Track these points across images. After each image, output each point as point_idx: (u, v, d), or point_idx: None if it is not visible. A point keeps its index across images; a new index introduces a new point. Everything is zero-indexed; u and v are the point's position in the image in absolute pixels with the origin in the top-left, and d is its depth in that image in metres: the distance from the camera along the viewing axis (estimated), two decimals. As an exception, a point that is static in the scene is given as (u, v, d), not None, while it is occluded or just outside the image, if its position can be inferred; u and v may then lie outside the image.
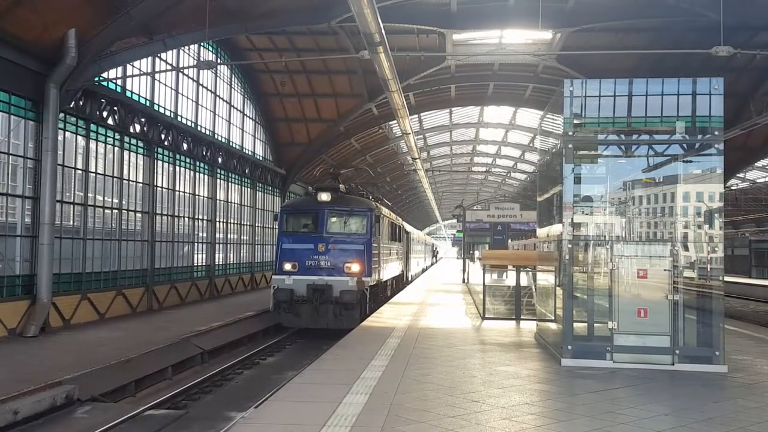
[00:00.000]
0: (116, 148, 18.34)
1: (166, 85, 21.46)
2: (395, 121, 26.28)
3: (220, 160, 25.66)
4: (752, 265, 43.81)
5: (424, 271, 46.38)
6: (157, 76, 20.50)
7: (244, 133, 29.06)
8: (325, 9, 18.95)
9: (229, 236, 27.09)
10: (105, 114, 17.45)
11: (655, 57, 20.85)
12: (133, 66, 18.63)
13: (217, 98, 26.00)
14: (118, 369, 11.48)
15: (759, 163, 37.40)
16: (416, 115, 32.32)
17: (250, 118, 29.75)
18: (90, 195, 17.05)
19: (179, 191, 22.24)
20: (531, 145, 39.35)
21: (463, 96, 31.12)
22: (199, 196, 23.88)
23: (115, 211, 18.38)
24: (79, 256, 16.58)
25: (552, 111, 11.91)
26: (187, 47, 21.85)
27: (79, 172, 16.73)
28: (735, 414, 6.91)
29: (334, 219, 18.16)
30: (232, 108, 27.54)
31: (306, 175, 35.03)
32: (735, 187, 44.98)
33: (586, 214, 10.63)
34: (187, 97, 23.19)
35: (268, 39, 24.20)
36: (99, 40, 14.87)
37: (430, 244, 62.89)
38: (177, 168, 22.04)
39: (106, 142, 17.83)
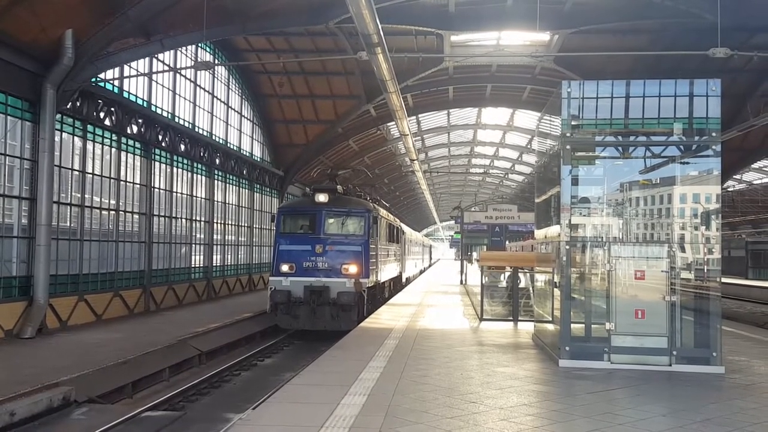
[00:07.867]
0: (113, 149, 18.32)
1: (163, 86, 21.44)
2: (393, 123, 26.24)
3: (217, 161, 25.64)
4: (749, 266, 43.85)
5: (422, 272, 46.35)
6: (154, 77, 20.48)
7: (242, 134, 29.04)
8: (323, 10, 18.94)
9: (226, 237, 27.06)
10: (102, 115, 17.43)
11: (652, 58, 20.86)
12: (130, 67, 18.62)
13: (215, 99, 25.99)
14: (115, 370, 11.46)
15: (756, 165, 37.52)
16: (414, 117, 32.31)
17: (247, 119, 29.74)
18: (87, 196, 17.02)
19: (176, 192, 22.21)
20: (529, 146, 39.37)
21: (461, 97, 31.13)
22: (196, 197, 23.86)
23: (112, 212, 18.36)
24: (76, 258, 16.55)
25: (550, 112, 11.86)
26: (184, 48, 21.85)
27: (76, 173, 16.70)
28: (732, 415, 6.92)
29: (331, 220, 18.14)
30: (229, 109, 27.51)
31: (304, 176, 35.03)
32: (732, 189, 45.06)
33: (584, 216, 10.62)
34: (185, 98, 23.17)
35: (266, 40, 24.19)
36: (96, 41, 14.85)
37: (427, 246, 62.91)
38: (174, 169, 22.02)
39: (103, 143, 17.80)
